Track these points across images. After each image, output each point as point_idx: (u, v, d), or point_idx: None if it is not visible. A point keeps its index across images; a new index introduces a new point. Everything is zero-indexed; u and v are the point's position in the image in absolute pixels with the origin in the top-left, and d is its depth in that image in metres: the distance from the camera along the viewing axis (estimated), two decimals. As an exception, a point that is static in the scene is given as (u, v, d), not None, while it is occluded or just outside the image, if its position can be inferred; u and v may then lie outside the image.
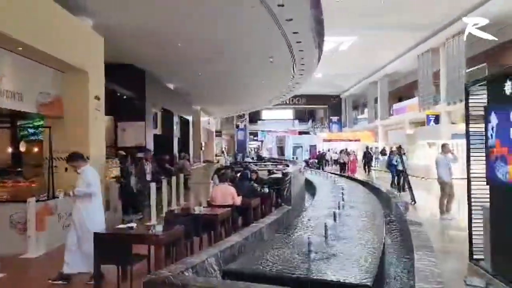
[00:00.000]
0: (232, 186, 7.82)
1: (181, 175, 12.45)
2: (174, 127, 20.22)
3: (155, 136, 17.26)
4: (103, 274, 4.95)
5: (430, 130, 22.78)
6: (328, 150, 33.41)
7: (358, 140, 34.55)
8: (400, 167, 13.25)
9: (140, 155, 11.45)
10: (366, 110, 39.02)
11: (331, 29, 17.02)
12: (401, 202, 8.77)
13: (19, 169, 9.30)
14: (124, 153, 11.35)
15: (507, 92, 4.24)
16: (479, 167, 4.99)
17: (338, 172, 22.19)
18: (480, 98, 5.09)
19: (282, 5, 9.43)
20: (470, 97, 5.30)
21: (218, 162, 28.55)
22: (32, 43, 6.84)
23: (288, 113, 52.24)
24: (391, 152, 14.52)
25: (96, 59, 9.30)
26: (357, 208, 7.47)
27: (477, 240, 5.01)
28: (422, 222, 6.48)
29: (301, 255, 3.91)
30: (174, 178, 11.34)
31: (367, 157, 25.49)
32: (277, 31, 11.32)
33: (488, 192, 4.84)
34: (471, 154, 5.24)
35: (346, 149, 28.42)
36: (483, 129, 4.82)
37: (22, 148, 9.16)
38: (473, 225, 5.09)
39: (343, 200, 7.60)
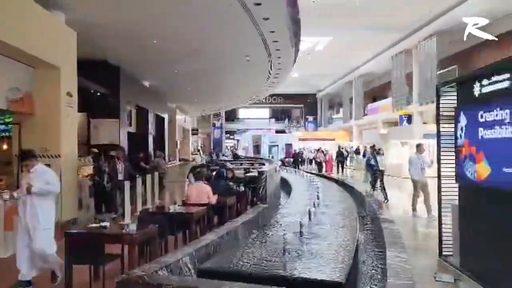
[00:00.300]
0: (207, 185, 7.79)
1: (156, 174, 12.31)
2: (149, 125, 19.98)
3: (130, 134, 17.02)
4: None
5: (403, 130, 23.30)
6: (304, 149, 33.65)
7: (333, 140, 34.96)
8: (377, 167, 13.44)
9: (113, 153, 11.27)
10: (341, 109, 39.54)
11: (307, 29, 17.16)
12: (375, 201, 8.93)
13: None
14: (97, 151, 11.13)
15: (476, 93, 4.38)
16: (449, 166, 5.13)
17: (314, 171, 22.41)
18: (450, 99, 5.24)
19: (259, 4, 9.44)
20: (441, 98, 5.44)
21: (194, 160, 28.35)
22: (1, 38, 6.62)
23: (265, 112, 52.41)
24: (376, 151, 14.65)
25: (68, 54, 9.07)
26: (331, 207, 7.57)
27: (447, 237, 5.16)
28: (394, 220, 6.62)
29: (276, 253, 3.94)
30: (148, 177, 11.20)
31: (340, 157, 25.84)
32: (253, 30, 11.33)
33: (457, 190, 4.99)
34: (442, 153, 5.38)
35: (320, 148, 28.71)
36: (453, 129, 4.96)
37: (-9, 145, 8.87)
38: (443, 222, 5.24)
39: (318, 198, 7.68)
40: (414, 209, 9.53)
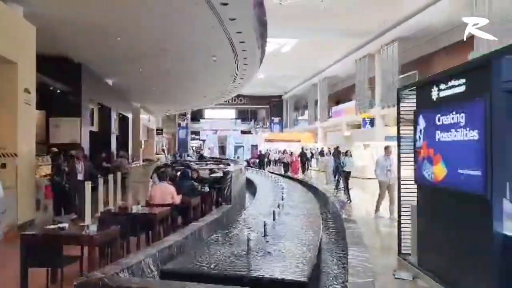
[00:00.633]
0: (172, 185, 7.69)
1: (119, 174, 12.03)
2: (112, 124, 19.53)
3: (92, 133, 16.58)
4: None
5: (366, 132, 23.91)
6: (270, 150, 33.83)
7: (299, 141, 35.38)
8: (346, 168, 13.62)
9: (73, 152, 10.93)
10: (306, 111, 40.10)
11: (274, 30, 17.30)
12: (338, 201, 9.11)
13: None
14: (56, 150, 10.75)
15: (434, 97, 4.55)
16: (409, 168, 5.29)
17: (281, 172, 22.58)
18: (410, 102, 5.41)
19: (226, 4, 9.42)
20: (402, 101, 5.62)
21: (158, 160, 27.91)
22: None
23: (231, 113, 52.35)
24: (345, 153, 14.79)
25: (27, 49, 8.71)
26: (296, 207, 7.66)
27: (406, 236, 5.33)
28: (357, 220, 6.78)
29: (240, 253, 3.94)
30: (111, 177, 10.94)
31: (304, 158, 26.15)
32: (220, 30, 11.29)
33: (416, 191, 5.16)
34: (402, 155, 5.56)
35: (285, 150, 28.97)
36: (413, 132, 5.13)
37: None
38: (402, 222, 5.41)
39: (282, 199, 7.75)
40: (377, 210, 9.75)
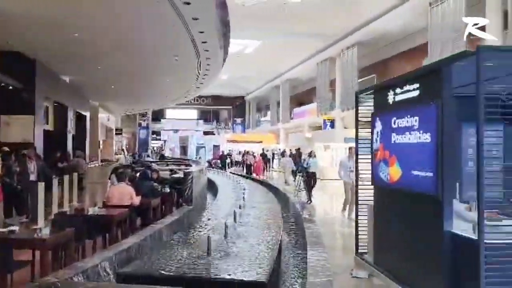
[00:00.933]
0: (130, 186, 7.52)
1: (75, 174, 11.63)
2: (69, 123, 18.88)
3: (46, 132, 15.95)
4: None
5: (326, 134, 24.38)
6: (232, 151, 33.77)
7: (261, 142, 35.56)
8: (310, 169, 13.73)
9: (26, 152, 10.46)
10: (269, 112, 40.39)
11: (237, 31, 17.31)
12: (298, 202, 9.23)
13: None
14: (7, 149, 10.23)
15: (390, 101, 4.70)
16: (367, 169, 5.43)
17: (243, 173, 22.59)
18: (368, 105, 5.57)
19: (189, 3, 9.34)
20: (360, 104, 5.77)
21: (117, 161, 27.20)
22: None
23: (193, 113, 51.87)
24: (309, 154, 14.84)
25: (-25, 43, 8.27)
26: (257, 208, 7.70)
27: (363, 236, 5.47)
28: (316, 220, 6.90)
29: (200, 255, 3.91)
30: (66, 178, 10.56)
31: (265, 159, 26.28)
32: (183, 29, 11.17)
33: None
34: (360, 157, 5.70)
35: (248, 151, 29.00)
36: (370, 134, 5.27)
37: None
38: (359, 222, 5.54)
39: (244, 200, 7.77)
40: (343, 209, 9.86)
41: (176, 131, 49.71)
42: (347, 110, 22.63)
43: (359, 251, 5.33)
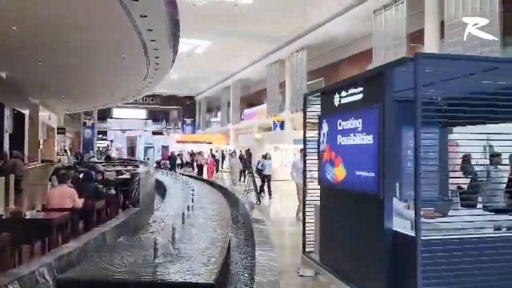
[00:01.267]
0: (73, 188, 7.20)
1: (12, 176, 10.96)
2: (5, 122, 17.76)
3: (-20, 130, 14.90)
4: None
5: (276, 135, 24.71)
6: (183, 152, 33.27)
7: (211, 143, 35.38)
8: (265, 172, 13.74)
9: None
10: (219, 113, 40.29)
11: (187, 31, 17.11)
12: (247, 202, 9.28)
13: None
14: None
15: (336, 103, 4.84)
16: (315, 170, 5.56)
17: (193, 174, 22.35)
18: (316, 108, 5.70)
19: (137, 0, 9.10)
20: (308, 106, 5.90)
21: (60, 162, 25.94)
22: None
23: (142, 113, 50.63)
24: (264, 156, 14.79)
25: None
26: (206, 209, 7.65)
27: (310, 235, 5.59)
28: (265, 220, 6.96)
29: (146, 258, 3.82)
30: (1, 179, 9.93)
31: (214, 159, 26.17)
32: (130, 27, 10.86)
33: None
34: (308, 158, 5.83)
35: (193, 151, 28.72)
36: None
37: None
38: (307, 221, 5.66)
39: (192, 201, 7.70)
40: (299, 210, 9.96)
41: (123, 131, 48.31)
42: (296, 112, 23.07)
43: (306, 250, 5.44)
